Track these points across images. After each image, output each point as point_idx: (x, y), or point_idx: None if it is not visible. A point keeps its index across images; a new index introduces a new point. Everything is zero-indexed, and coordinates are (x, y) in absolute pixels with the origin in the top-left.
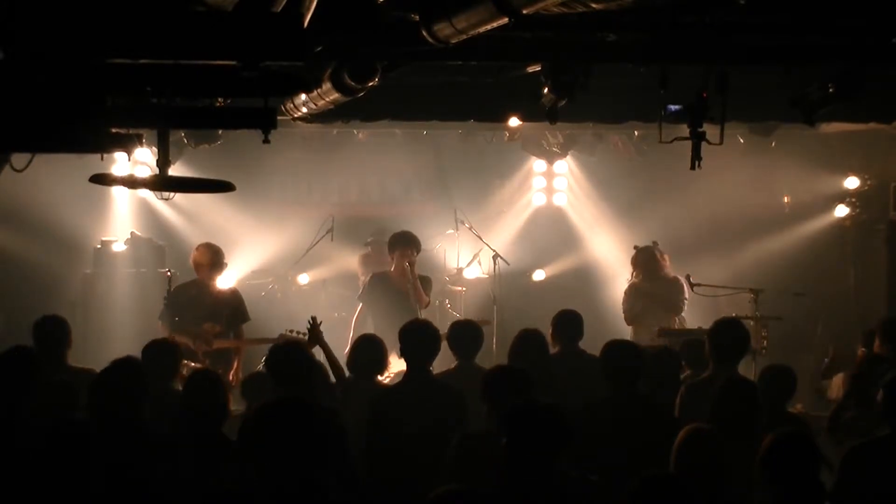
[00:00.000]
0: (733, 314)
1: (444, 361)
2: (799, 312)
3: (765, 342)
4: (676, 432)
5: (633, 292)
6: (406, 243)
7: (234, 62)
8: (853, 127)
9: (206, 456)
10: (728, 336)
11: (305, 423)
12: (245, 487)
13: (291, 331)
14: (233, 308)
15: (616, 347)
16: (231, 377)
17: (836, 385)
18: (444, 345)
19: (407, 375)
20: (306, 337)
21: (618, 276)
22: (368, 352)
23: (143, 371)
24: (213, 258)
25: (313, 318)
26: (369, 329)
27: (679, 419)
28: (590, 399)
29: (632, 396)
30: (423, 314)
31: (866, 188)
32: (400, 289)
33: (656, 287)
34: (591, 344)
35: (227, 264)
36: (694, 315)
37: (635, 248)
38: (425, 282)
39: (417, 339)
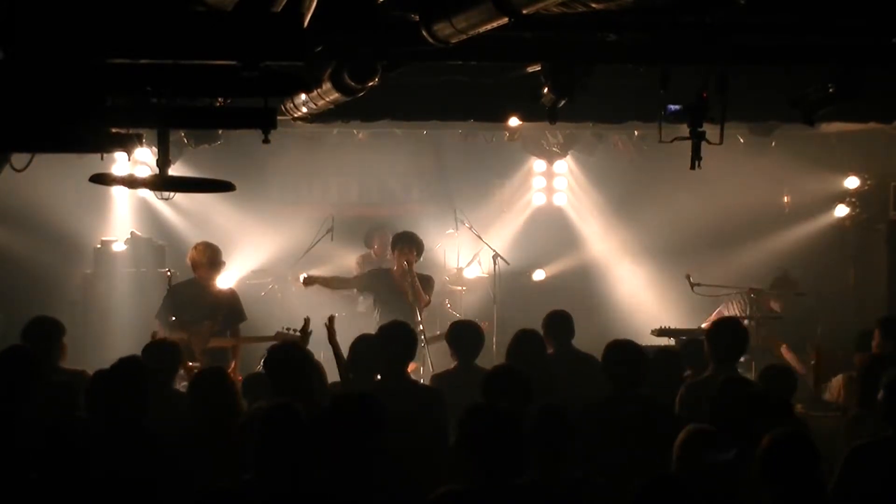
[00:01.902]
0: (735, 312)
1: (445, 362)
2: (799, 312)
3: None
4: (678, 432)
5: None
6: (406, 243)
7: (234, 62)
8: (853, 127)
9: (211, 455)
10: (728, 336)
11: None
12: (247, 487)
13: (288, 328)
14: (230, 307)
15: (618, 348)
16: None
17: (836, 387)
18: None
19: (383, 377)
20: (298, 334)
21: (618, 275)
22: (367, 353)
23: (147, 371)
24: (212, 257)
25: (307, 320)
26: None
27: (680, 419)
28: (590, 399)
29: (634, 396)
30: (423, 314)
31: (866, 188)
32: (400, 288)
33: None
34: (592, 344)
35: (224, 263)
36: (694, 315)
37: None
38: (427, 281)
39: (392, 341)
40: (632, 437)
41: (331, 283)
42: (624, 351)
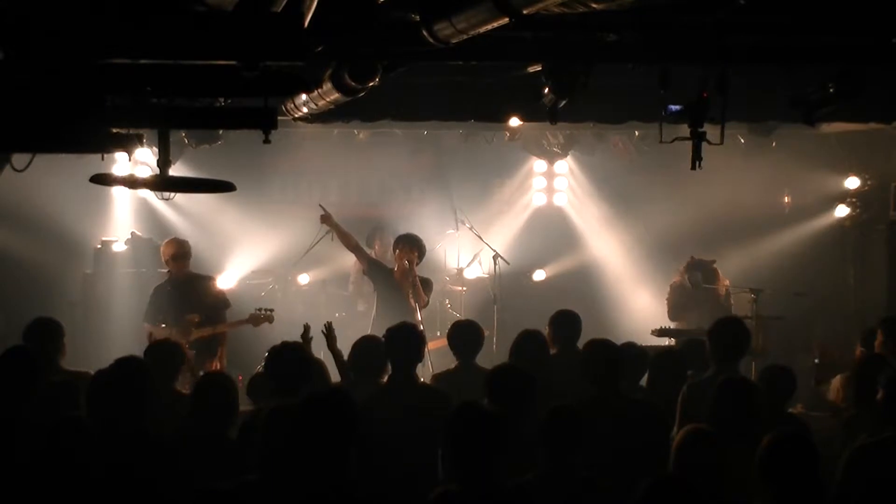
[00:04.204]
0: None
1: (446, 361)
2: (799, 312)
3: (764, 342)
4: (663, 431)
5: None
6: (407, 243)
7: (234, 62)
8: (853, 127)
9: (211, 457)
10: (729, 335)
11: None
12: (249, 489)
13: (260, 309)
14: (212, 296)
15: (593, 347)
16: (216, 365)
17: (835, 387)
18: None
19: (390, 379)
20: (272, 314)
21: (618, 275)
22: (369, 354)
23: (147, 371)
24: (176, 249)
25: (306, 327)
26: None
27: (667, 418)
28: (576, 399)
29: (613, 396)
30: (423, 314)
31: (866, 188)
32: (400, 288)
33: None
34: None
35: (190, 253)
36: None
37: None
38: (426, 283)
39: (401, 343)
40: (614, 437)
41: (344, 236)
42: (599, 350)
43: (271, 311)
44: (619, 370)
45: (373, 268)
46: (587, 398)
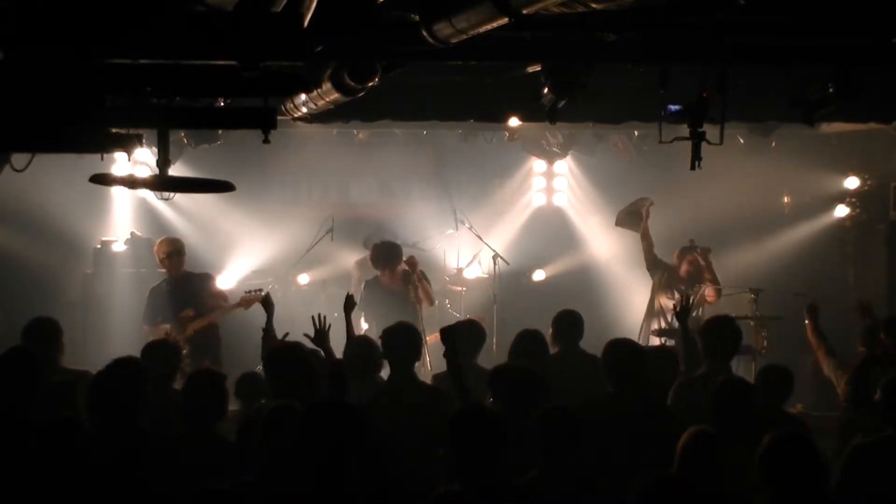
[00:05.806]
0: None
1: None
2: (799, 312)
3: (765, 342)
4: (678, 431)
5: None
6: (386, 262)
7: (234, 62)
8: (853, 127)
9: (205, 456)
10: (719, 332)
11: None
12: (247, 489)
13: (250, 291)
14: (209, 293)
15: (618, 346)
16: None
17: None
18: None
19: (391, 378)
20: (262, 294)
21: (617, 275)
22: (365, 353)
23: (143, 371)
24: (169, 248)
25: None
26: (371, 331)
27: (679, 417)
28: (592, 397)
29: (635, 395)
30: (425, 314)
31: (866, 188)
32: (394, 290)
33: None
34: (592, 344)
35: (183, 251)
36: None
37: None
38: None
39: (399, 342)
40: (633, 436)
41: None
42: (624, 350)
43: (260, 290)
44: (643, 370)
45: (370, 307)
46: (606, 396)
